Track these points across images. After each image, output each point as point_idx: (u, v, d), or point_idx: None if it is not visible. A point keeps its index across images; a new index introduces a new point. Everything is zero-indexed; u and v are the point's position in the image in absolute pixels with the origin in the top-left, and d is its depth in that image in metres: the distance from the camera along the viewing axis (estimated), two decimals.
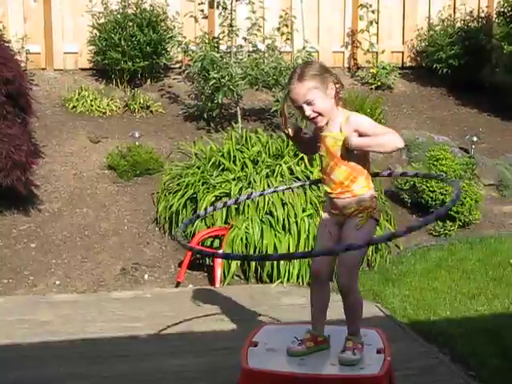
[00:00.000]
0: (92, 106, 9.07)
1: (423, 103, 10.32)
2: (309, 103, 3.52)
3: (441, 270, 6.75)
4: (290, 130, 3.71)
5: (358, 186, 3.59)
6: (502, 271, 6.73)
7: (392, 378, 3.63)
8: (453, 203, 3.56)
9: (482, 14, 10.94)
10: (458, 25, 10.71)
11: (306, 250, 6.35)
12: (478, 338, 5.27)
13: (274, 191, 5.58)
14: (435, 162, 7.70)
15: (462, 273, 6.69)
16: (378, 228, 6.84)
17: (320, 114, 3.54)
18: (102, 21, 9.50)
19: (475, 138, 8.64)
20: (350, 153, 3.55)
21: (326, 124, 3.59)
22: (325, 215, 3.75)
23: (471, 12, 10.87)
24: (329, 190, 3.66)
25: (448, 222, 7.50)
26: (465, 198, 7.44)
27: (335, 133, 3.57)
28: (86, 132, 8.62)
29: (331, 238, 3.68)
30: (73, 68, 9.92)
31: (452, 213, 7.45)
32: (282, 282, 6.42)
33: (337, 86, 3.58)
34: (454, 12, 10.99)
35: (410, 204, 7.82)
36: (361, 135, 3.53)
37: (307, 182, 6.07)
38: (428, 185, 7.52)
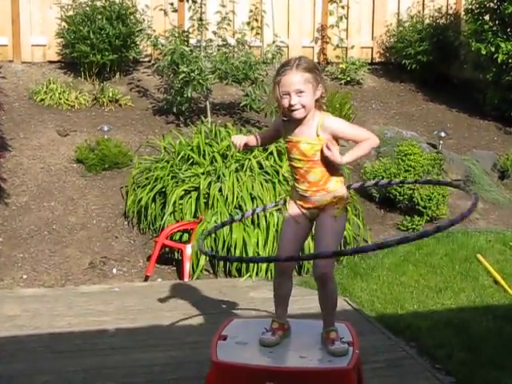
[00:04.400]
0: (60, 99, 8.99)
1: (392, 99, 10.38)
2: (299, 93, 3.52)
3: (408, 265, 6.81)
4: (238, 145, 3.85)
5: (332, 183, 3.62)
6: (469, 265, 6.81)
7: (360, 371, 3.66)
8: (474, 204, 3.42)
9: (451, 11, 11.06)
10: (427, 21, 10.80)
11: (275, 244, 6.35)
12: (445, 331, 5.34)
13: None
14: (403, 157, 7.76)
15: (429, 267, 6.76)
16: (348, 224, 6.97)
17: (303, 107, 3.55)
18: (70, 13, 9.41)
19: (443, 134, 8.72)
20: (327, 160, 3.57)
21: (298, 125, 3.58)
22: (293, 208, 3.75)
23: (440, 9, 10.97)
24: (303, 188, 3.66)
25: (416, 216, 7.57)
26: (432, 193, 7.51)
27: (311, 138, 3.58)
28: (54, 125, 8.54)
29: (298, 232, 3.70)
30: (41, 60, 9.82)
31: (420, 207, 7.53)
32: (250, 277, 6.43)
33: (323, 90, 3.61)
34: (423, 8, 11.08)
35: (378, 199, 7.88)
36: (337, 139, 3.58)
37: None
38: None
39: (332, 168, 3.62)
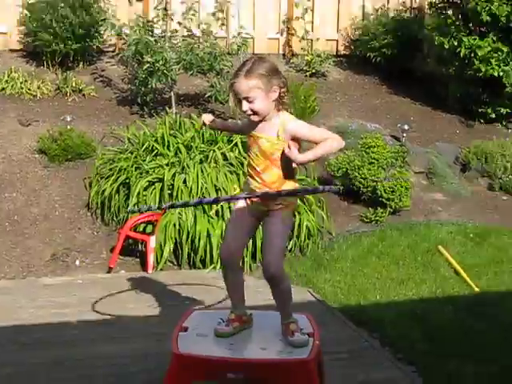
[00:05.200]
0: (22, 88, 8.88)
1: (356, 91, 10.44)
2: (249, 100, 3.51)
3: (371, 256, 6.87)
4: (204, 121, 3.90)
5: (286, 186, 3.60)
6: (430, 257, 6.89)
7: (321, 362, 3.69)
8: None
9: (415, 5, 11.14)
10: (392, 14, 10.87)
11: None
12: (407, 322, 5.40)
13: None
14: (367, 150, 7.80)
15: (392, 258, 6.83)
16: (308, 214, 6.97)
17: (256, 113, 3.54)
18: (32, 0, 9.28)
19: (406, 127, 8.79)
20: (286, 161, 3.55)
21: (262, 121, 3.57)
22: (243, 202, 3.73)
23: (404, 2, 11.06)
24: (256, 185, 3.63)
25: (379, 208, 7.63)
26: (395, 186, 7.58)
27: (272, 137, 3.55)
28: (15, 115, 8.43)
29: (244, 226, 3.69)
30: (1, 49, 9.68)
31: (383, 200, 7.58)
32: (214, 268, 6.42)
33: (282, 89, 3.55)
34: (388, 2, 11.15)
35: (342, 191, 7.92)
36: (297, 140, 3.55)
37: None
38: (360, 172, 7.63)
39: (288, 172, 3.59)
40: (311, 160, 3.58)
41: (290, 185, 3.62)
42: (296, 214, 6.64)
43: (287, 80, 3.62)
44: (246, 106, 3.52)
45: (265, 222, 3.65)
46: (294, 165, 3.61)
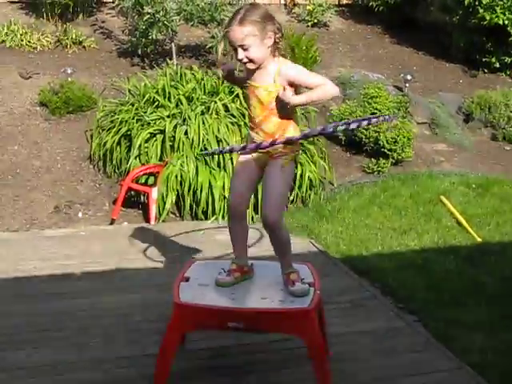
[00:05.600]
0: (22, 40, 8.81)
1: (359, 41, 10.34)
2: (244, 48, 3.47)
3: (373, 207, 6.87)
4: (222, 71, 3.74)
5: (287, 135, 3.58)
6: (432, 207, 6.89)
7: (321, 311, 3.72)
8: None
9: None
10: None
11: None
12: (408, 271, 5.42)
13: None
14: (369, 100, 7.76)
15: (394, 209, 6.83)
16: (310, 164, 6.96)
17: (251, 61, 3.51)
18: None
19: (409, 77, 8.71)
20: (282, 105, 3.52)
21: (257, 69, 3.54)
22: (245, 153, 3.73)
23: None
24: (257, 139, 3.61)
25: (381, 159, 7.61)
26: (398, 136, 7.55)
27: (269, 84, 3.53)
28: (16, 67, 8.38)
29: (249, 175, 3.69)
30: (1, 1, 9.57)
31: (385, 150, 7.56)
32: (216, 219, 6.44)
33: (277, 35, 3.51)
34: None
35: (344, 142, 7.90)
36: (294, 85, 3.52)
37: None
38: None
39: (287, 117, 3.56)
40: (304, 103, 3.55)
41: (290, 132, 3.60)
42: (298, 164, 6.64)
43: (281, 26, 3.58)
44: (241, 54, 3.49)
45: (265, 172, 3.65)
46: (293, 110, 3.59)
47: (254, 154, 3.67)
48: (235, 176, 3.80)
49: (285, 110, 3.55)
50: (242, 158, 3.73)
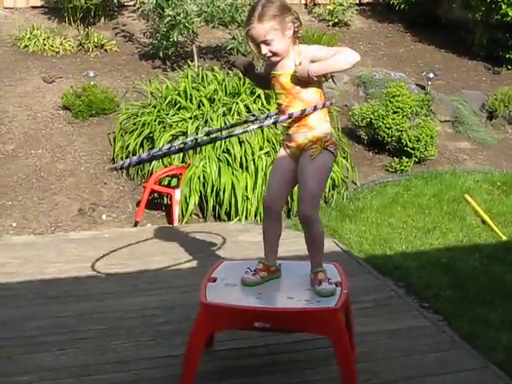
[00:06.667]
0: (45, 45, 8.88)
1: (380, 40, 10.30)
2: (267, 43, 3.52)
3: (397, 206, 6.84)
4: (238, 67, 3.78)
5: (313, 118, 3.59)
6: (457, 206, 6.85)
7: (348, 311, 3.70)
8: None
9: None
10: None
11: (264, 187, 6.37)
12: (432, 270, 5.40)
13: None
14: (391, 99, 7.72)
15: (418, 208, 6.79)
16: (333, 164, 6.95)
17: (275, 54, 3.55)
18: None
19: (431, 75, 8.66)
20: (304, 87, 3.56)
21: (280, 61, 3.59)
22: (281, 150, 3.78)
23: None
24: (286, 125, 3.67)
25: (404, 158, 7.57)
26: (421, 135, 7.51)
27: (291, 69, 3.58)
28: (39, 72, 8.45)
29: (285, 173, 3.71)
30: (23, 6, 9.68)
31: (408, 149, 7.53)
32: (240, 220, 6.45)
33: (295, 24, 3.57)
34: None
35: (367, 141, 7.87)
36: (317, 62, 3.53)
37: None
38: (384, 121, 7.56)
39: (311, 102, 3.57)
40: (324, 70, 3.54)
41: (318, 118, 3.60)
42: None
43: (297, 13, 3.62)
44: (265, 49, 3.54)
45: (298, 166, 3.66)
46: (320, 95, 3.59)
47: (289, 150, 3.70)
48: (271, 174, 3.84)
49: (308, 93, 3.57)
50: (280, 154, 3.78)
